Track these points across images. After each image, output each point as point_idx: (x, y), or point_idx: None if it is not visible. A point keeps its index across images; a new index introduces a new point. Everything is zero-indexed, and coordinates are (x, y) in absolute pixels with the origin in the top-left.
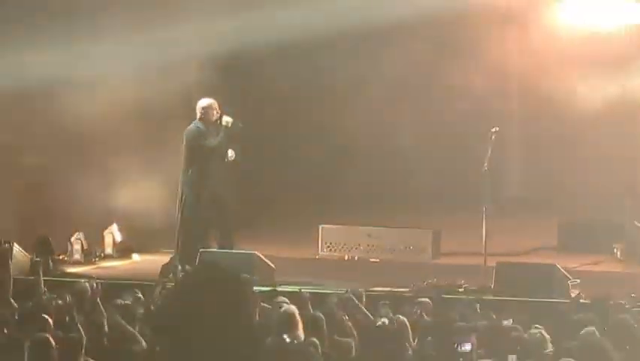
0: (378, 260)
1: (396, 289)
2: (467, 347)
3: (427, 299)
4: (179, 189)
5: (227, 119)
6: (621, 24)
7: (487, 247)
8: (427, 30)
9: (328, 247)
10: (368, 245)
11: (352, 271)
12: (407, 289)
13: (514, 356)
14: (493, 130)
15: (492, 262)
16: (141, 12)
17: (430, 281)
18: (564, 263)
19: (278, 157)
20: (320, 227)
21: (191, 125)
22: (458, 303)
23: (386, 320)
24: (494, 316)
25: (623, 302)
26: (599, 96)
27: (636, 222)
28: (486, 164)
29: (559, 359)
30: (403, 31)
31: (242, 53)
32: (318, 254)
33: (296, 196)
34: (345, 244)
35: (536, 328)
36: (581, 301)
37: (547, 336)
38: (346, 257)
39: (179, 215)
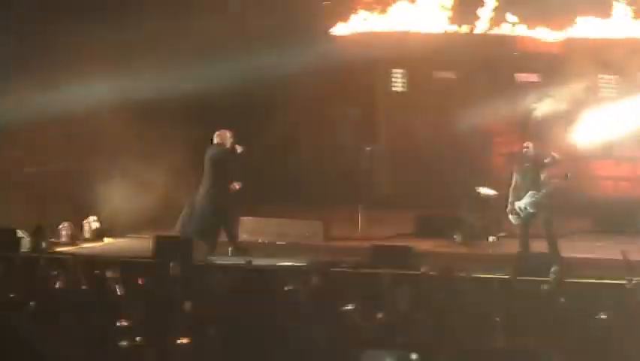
0: (284, 243)
1: (297, 264)
2: (349, 306)
3: (319, 271)
4: (205, 191)
5: (240, 147)
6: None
7: (364, 233)
8: (318, 78)
9: (248, 233)
10: (277, 232)
11: (266, 251)
12: (305, 264)
13: (382, 313)
14: (368, 148)
15: (367, 244)
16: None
17: (321, 259)
18: (419, 246)
19: None
20: (240, 219)
21: (215, 149)
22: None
23: (291, 286)
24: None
25: (462, 274)
26: (447, 122)
27: (470, 217)
28: (364, 172)
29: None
30: (304, 79)
31: None
32: (240, 238)
33: None
34: (260, 231)
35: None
36: (430, 273)
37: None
38: (260, 240)
39: (209, 212)
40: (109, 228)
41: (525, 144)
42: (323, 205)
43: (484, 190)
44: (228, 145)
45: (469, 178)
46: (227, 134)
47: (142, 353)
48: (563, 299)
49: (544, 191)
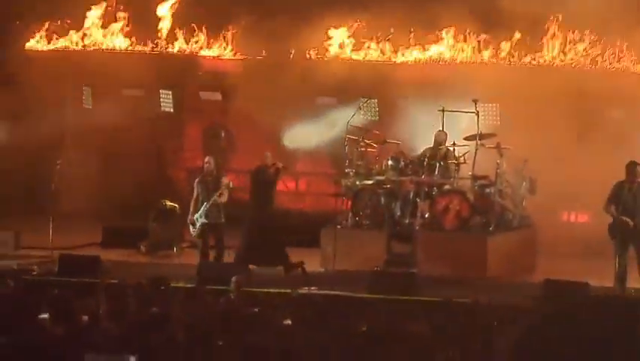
0: None
1: None
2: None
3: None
4: None
5: None
6: None
7: (54, 243)
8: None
9: None
10: None
11: None
12: None
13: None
14: (58, 162)
15: (57, 254)
16: None
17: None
18: (106, 255)
19: None
20: None
21: None
22: None
23: None
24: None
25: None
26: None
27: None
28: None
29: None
30: None
31: None
32: None
33: None
34: None
35: None
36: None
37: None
38: None
39: None
40: None
41: (206, 160)
42: (15, 215)
43: (169, 203)
44: None
45: (158, 191)
46: None
47: None
48: (257, 309)
49: (213, 201)
